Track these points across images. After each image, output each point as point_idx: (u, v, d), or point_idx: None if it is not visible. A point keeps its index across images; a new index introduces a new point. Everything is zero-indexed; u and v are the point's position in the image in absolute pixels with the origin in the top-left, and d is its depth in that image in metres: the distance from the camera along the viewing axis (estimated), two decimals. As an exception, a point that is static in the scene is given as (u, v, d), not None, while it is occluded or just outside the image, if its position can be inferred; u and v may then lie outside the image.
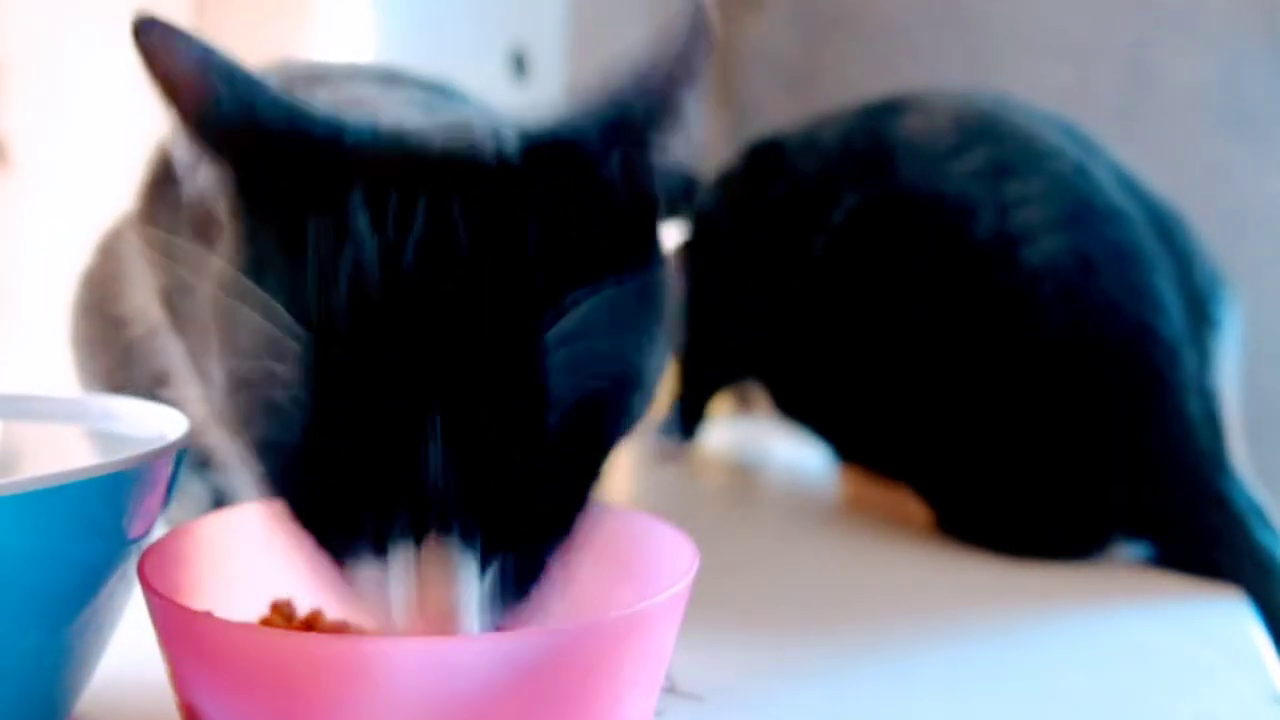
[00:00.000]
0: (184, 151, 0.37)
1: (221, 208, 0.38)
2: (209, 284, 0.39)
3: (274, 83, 0.38)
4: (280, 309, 0.34)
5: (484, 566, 0.34)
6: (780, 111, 1.28)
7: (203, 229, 0.40)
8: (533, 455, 0.35)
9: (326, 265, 0.34)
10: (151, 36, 0.36)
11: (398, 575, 0.34)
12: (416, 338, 0.34)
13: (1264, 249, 1.14)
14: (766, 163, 0.80)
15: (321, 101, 0.49)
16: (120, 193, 0.57)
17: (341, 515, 0.35)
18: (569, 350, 0.35)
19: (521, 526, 0.35)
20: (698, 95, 0.38)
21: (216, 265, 0.38)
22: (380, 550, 0.34)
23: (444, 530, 0.34)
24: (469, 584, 0.34)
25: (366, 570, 0.35)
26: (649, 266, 0.39)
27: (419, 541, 0.34)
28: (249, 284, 0.35)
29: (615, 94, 0.38)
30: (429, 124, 0.40)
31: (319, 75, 0.53)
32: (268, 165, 0.37)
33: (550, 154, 0.38)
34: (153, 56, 0.36)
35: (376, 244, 0.34)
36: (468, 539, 0.34)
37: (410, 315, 0.34)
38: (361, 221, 0.35)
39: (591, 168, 0.38)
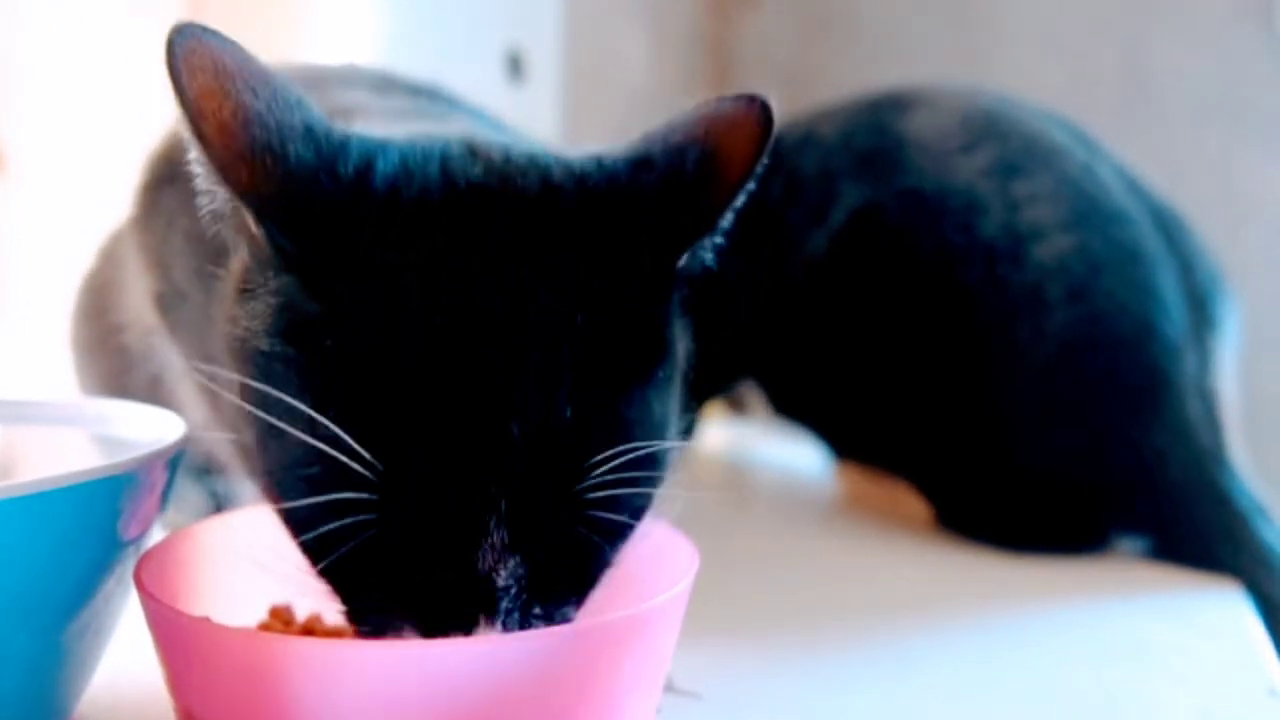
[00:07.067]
0: (202, 173, 0.34)
1: (238, 238, 0.36)
2: (223, 317, 0.37)
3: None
4: (346, 418, 0.32)
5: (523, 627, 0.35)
6: (778, 109, 1.28)
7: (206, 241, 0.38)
8: (578, 539, 0.35)
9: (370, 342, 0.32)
10: (183, 47, 0.31)
11: None
12: (476, 441, 0.33)
13: (1261, 244, 1.14)
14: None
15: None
16: (119, 195, 0.57)
17: (394, 602, 0.34)
18: (611, 440, 0.34)
19: (563, 592, 0.36)
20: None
21: (229, 293, 0.37)
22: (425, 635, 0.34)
23: (491, 615, 0.34)
24: None
25: None
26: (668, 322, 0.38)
27: (468, 629, 0.34)
28: (293, 369, 0.33)
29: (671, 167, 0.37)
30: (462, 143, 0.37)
31: (315, 80, 0.53)
32: (301, 220, 0.34)
33: (604, 201, 0.36)
34: (179, 73, 0.31)
35: (426, 330, 0.32)
36: (518, 619, 0.34)
37: (468, 419, 0.33)
38: (413, 305, 0.33)
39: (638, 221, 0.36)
